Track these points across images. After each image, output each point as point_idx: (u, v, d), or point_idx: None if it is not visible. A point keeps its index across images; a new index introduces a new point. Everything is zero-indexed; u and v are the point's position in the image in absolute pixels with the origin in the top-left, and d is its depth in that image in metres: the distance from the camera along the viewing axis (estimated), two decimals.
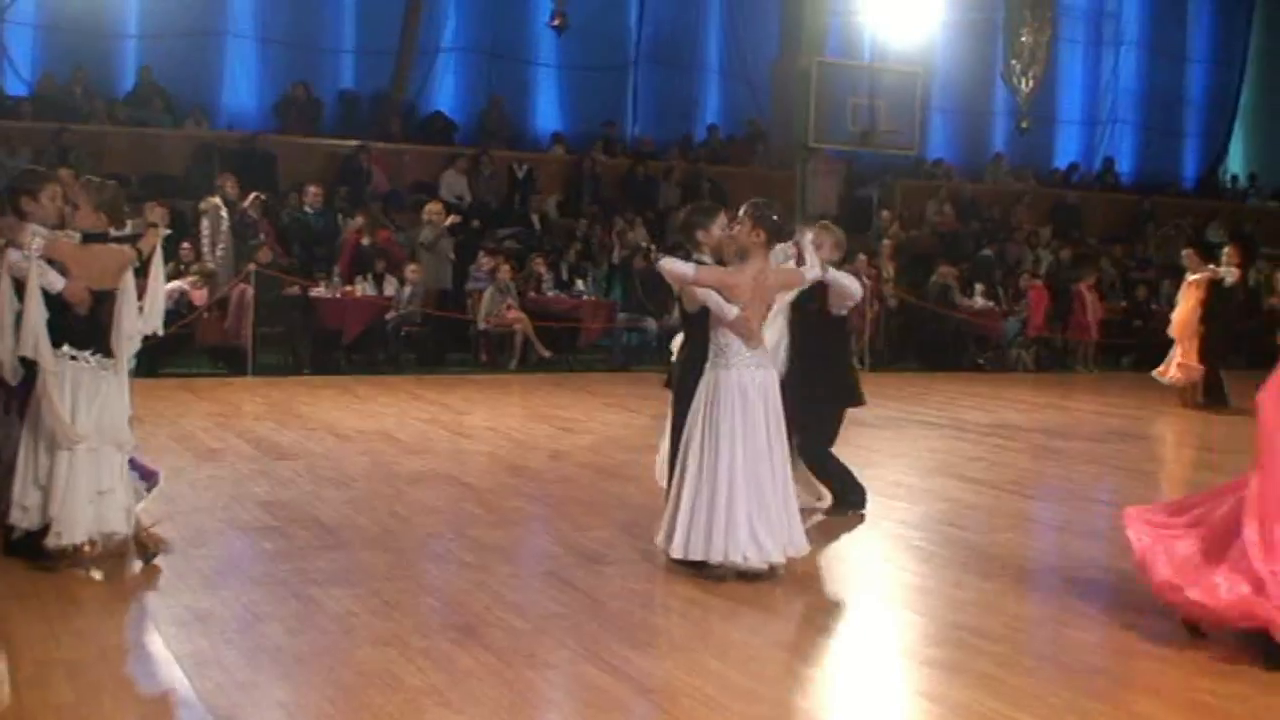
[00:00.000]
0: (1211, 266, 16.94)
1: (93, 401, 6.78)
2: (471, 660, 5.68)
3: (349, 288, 17.47)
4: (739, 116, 25.93)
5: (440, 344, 18.55)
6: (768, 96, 25.39)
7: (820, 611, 6.69)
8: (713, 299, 7.11)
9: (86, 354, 6.74)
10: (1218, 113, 31.58)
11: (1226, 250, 17.43)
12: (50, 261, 6.68)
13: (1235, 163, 31.71)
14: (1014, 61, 27.50)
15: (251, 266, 16.33)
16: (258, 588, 6.78)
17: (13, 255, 6.62)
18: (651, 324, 18.82)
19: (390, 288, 17.80)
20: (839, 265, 8.74)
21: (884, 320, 20.61)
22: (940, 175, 26.42)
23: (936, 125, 27.75)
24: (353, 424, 12.63)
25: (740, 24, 25.84)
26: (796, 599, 6.92)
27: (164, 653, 5.72)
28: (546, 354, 18.39)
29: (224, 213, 17.25)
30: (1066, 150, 29.68)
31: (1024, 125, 27.56)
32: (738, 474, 7.02)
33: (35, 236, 6.64)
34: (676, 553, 7.09)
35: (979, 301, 21.48)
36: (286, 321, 16.98)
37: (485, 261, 18.60)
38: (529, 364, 18.23)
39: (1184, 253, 17.97)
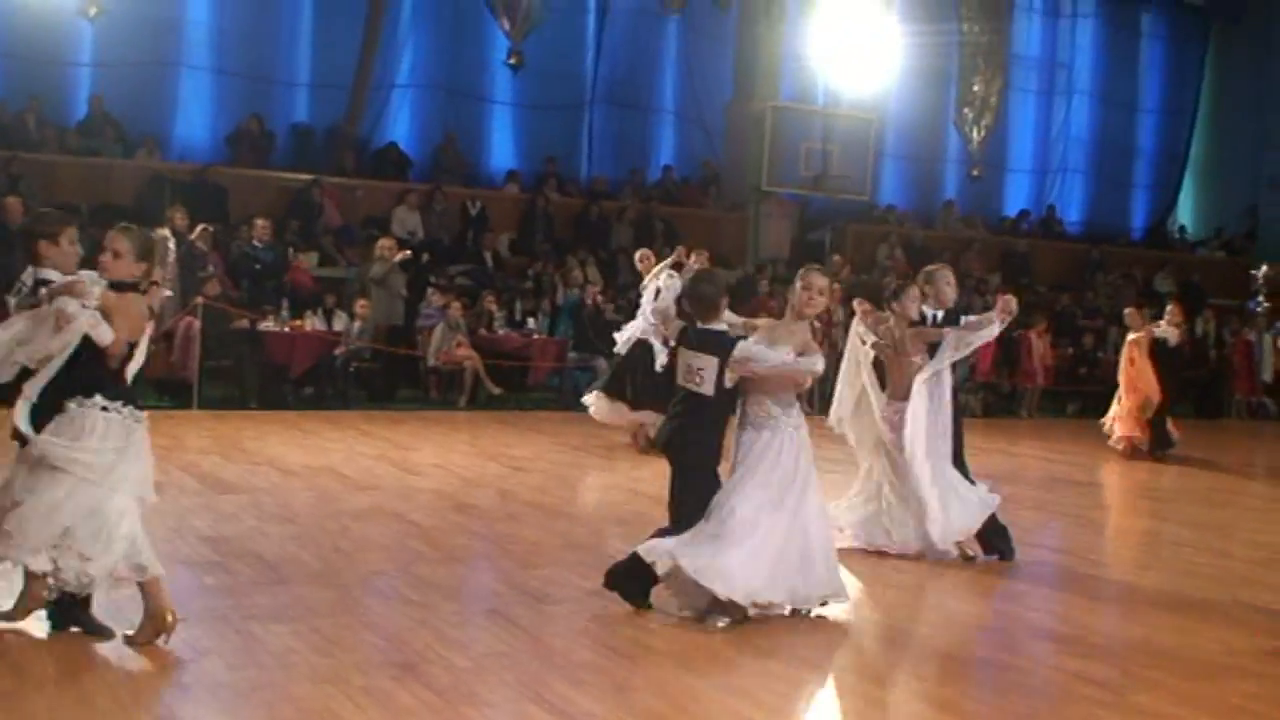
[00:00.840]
0: (1155, 324, 16.98)
1: (123, 455, 6.40)
2: (411, 698, 5.65)
3: (297, 322, 17.41)
4: (693, 158, 26.05)
5: (390, 380, 18.48)
6: (722, 139, 25.54)
7: (764, 653, 6.68)
8: (800, 363, 7.19)
9: (119, 405, 6.39)
10: (1167, 163, 31.95)
11: (1169, 309, 17.47)
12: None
13: (1184, 213, 32.05)
14: (966, 110, 27.87)
15: (199, 299, 16.24)
16: (198, 623, 6.71)
17: (69, 305, 6.15)
18: (602, 363, 18.79)
19: (340, 322, 17.76)
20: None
21: (834, 363, 20.59)
22: (892, 221, 26.58)
23: (889, 171, 27.95)
24: (298, 459, 12.56)
25: (695, 67, 25.99)
26: (741, 641, 6.90)
27: (102, 687, 5.66)
28: (496, 391, 18.35)
29: (171, 244, 17.12)
30: (1017, 198, 29.92)
31: (975, 173, 27.86)
32: (816, 520, 7.37)
33: (93, 285, 6.29)
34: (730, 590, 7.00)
35: None
36: (234, 355, 16.87)
37: (436, 298, 18.58)
38: (479, 401, 18.18)
39: (1126, 311, 17.88)
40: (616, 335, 14.70)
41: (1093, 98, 30.86)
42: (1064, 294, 25.90)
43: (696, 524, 7.12)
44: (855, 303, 10.10)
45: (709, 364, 7.13)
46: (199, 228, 17.38)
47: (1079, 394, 22.40)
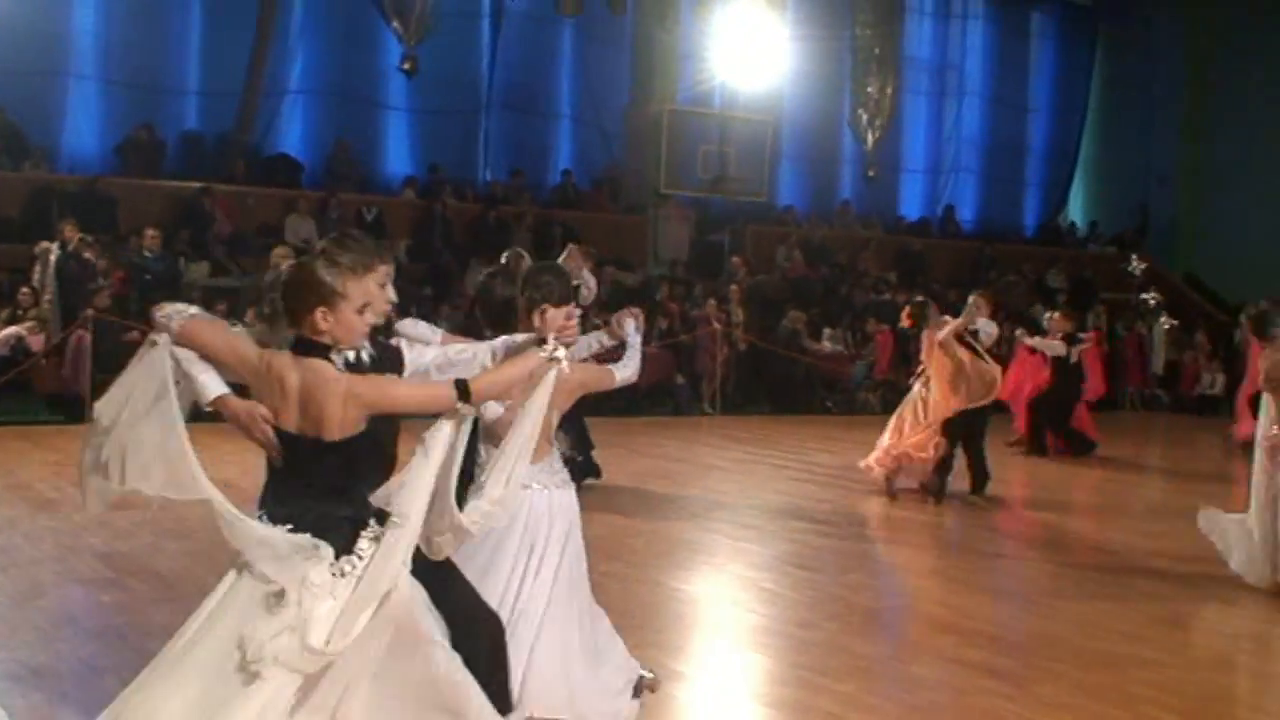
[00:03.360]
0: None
1: None
2: None
3: None
4: (591, 162, 26.01)
5: None
6: (620, 143, 25.55)
7: (664, 653, 6.68)
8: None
9: None
10: (1058, 162, 32.41)
11: (972, 299, 12.91)
12: None
13: (1075, 210, 32.54)
14: (861, 111, 28.09)
15: (89, 312, 15.96)
16: (95, 641, 6.61)
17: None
18: None
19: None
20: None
21: (734, 364, 20.76)
22: (790, 222, 26.73)
23: (786, 173, 28.07)
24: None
25: (592, 71, 25.95)
26: (640, 641, 6.90)
27: None
28: None
29: (52, 257, 16.81)
30: (912, 198, 30.21)
31: (871, 173, 28.11)
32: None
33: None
34: None
35: (827, 345, 21.80)
36: (126, 368, 16.49)
37: None
38: None
39: (972, 299, 13.08)
40: None
41: (984, 98, 31.22)
42: (951, 290, 26.17)
43: None
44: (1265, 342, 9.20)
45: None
46: (77, 238, 17.05)
47: None
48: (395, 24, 22.32)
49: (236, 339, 4.27)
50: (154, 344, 4.23)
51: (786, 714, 5.92)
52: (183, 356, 4.17)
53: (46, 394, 16.24)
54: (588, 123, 26.13)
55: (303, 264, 4.26)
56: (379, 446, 4.23)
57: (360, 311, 4.24)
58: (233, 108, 22.42)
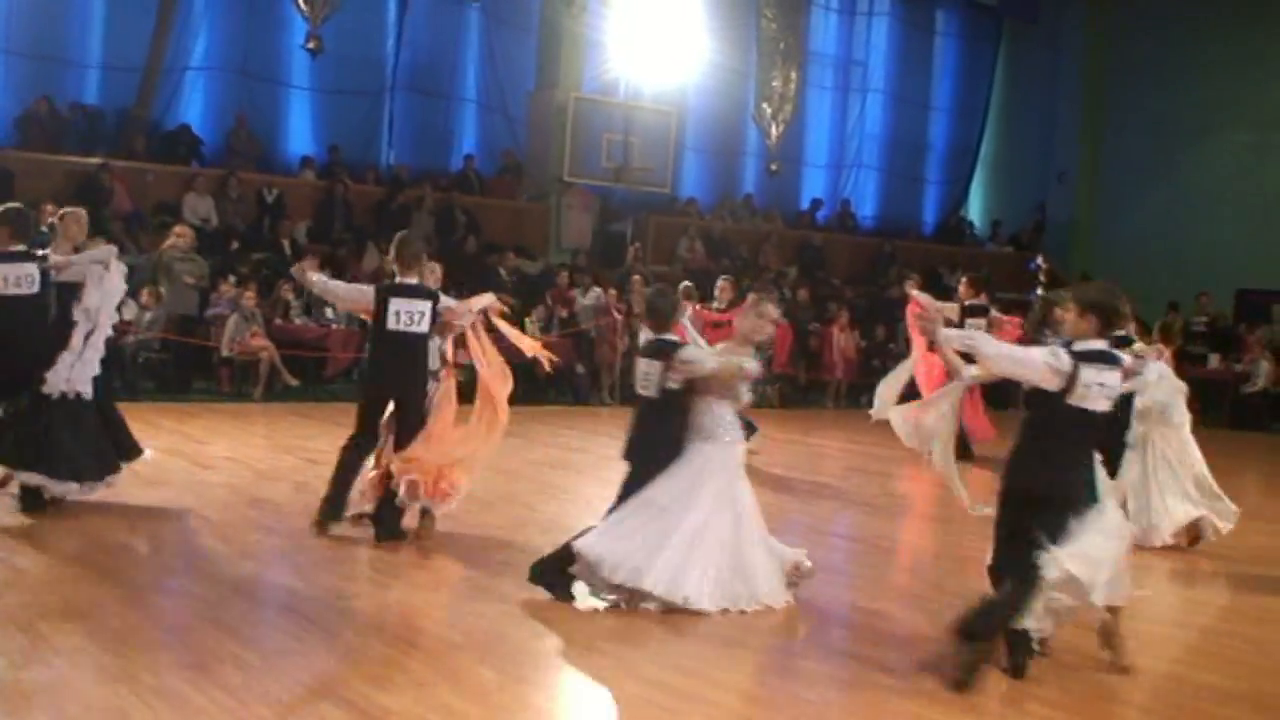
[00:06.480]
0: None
1: None
2: (204, 699, 5.55)
3: None
4: (495, 148, 25.90)
5: (182, 371, 18.05)
6: (524, 129, 25.49)
7: (562, 650, 6.72)
8: (738, 387, 7.85)
9: None
10: (959, 160, 32.76)
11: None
12: None
13: (974, 209, 32.93)
14: (765, 105, 28.20)
15: None
16: None
17: None
18: None
19: (129, 311, 17.31)
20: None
21: (634, 356, 20.77)
22: (692, 213, 26.81)
23: (689, 164, 28.16)
24: None
25: (498, 56, 25.84)
26: (539, 639, 6.92)
27: None
28: (293, 382, 18.07)
29: None
30: (813, 192, 30.39)
31: (774, 167, 28.25)
32: (724, 530, 7.82)
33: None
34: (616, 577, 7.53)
35: None
36: None
37: (226, 288, 18.20)
38: (274, 393, 17.88)
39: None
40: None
41: (887, 95, 31.45)
42: (847, 286, 26.42)
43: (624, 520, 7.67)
44: None
45: (654, 368, 7.91)
46: None
47: (873, 386, 22.81)
48: (300, 2, 22.05)
49: None
50: None
51: (678, 704, 5.98)
52: None
53: None
54: (492, 108, 26.01)
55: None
56: None
57: None
58: (134, 83, 22.06)
